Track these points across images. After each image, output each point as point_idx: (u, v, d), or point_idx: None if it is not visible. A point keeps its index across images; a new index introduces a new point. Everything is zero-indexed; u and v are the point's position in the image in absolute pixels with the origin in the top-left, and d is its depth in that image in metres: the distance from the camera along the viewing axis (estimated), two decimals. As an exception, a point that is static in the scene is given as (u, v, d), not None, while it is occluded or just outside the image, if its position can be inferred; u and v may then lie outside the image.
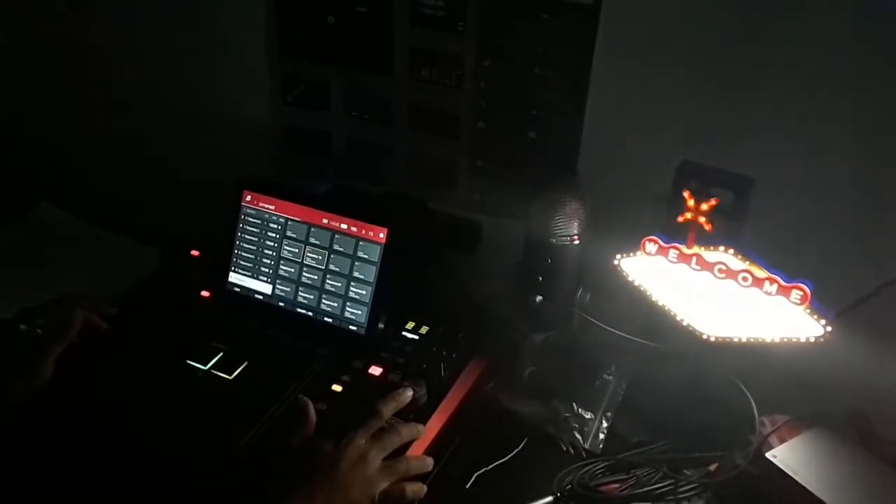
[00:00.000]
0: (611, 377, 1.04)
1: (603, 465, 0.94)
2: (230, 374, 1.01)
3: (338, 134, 1.24)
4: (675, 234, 0.89)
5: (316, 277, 1.09)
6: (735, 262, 0.84)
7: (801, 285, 0.80)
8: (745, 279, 0.83)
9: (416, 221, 1.17)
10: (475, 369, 1.04)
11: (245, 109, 1.27)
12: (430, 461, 0.90)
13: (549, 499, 0.89)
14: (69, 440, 0.91)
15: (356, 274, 1.07)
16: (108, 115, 1.37)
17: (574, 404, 1.00)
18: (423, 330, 1.09)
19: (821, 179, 0.94)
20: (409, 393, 0.93)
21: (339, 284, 1.08)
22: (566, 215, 0.99)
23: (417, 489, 0.86)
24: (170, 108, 1.33)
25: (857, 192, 0.94)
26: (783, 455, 0.89)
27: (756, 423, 0.93)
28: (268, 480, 0.85)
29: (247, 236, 1.13)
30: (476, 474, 0.92)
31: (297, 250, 1.10)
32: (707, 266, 0.85)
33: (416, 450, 0.91)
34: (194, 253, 1.22)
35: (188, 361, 1.02)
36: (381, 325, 1.06)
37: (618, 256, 0.93)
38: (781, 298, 0.81)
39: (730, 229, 0.89)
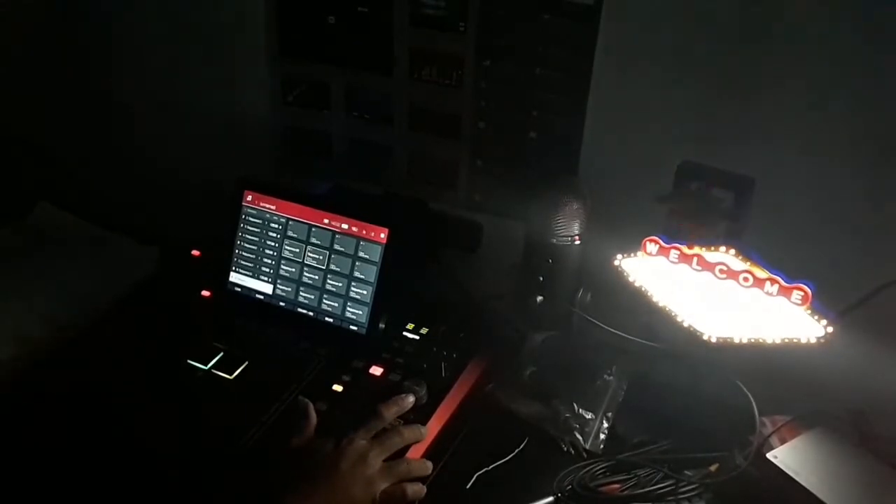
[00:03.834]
0: (611, 377, 1.04)
1: (603, 465, 0.94)
2: (230, 374, 1.00)
3: (338, 134, 1.24)
4: (675, 234, 0.89)
5: (317, 277, 1.09)
6: (736, 262, 0.84)
7: (802, 286, 0.80)
8: (745, 280, 0.83)
9: (417, 221, 1.17)
10: (475, 369, 1.04)
11: (245, 109, 1.27)
12: (429, 465, 0.90)
13: (550, 499, 0.89)
14: (69, 440, 0.91)
15: (357, 274, 1.07)
16: (108, 115, 1.37)
17: (574, 404, 1.00)
18: (424, 330, 1.08)
19: (821, 180, 0.94)
20: (411, 399, 0.93)
21: (340, 284, 1.08)
22: (566, 215, 0.99)
23: (417, 489, 0.86)
24: (170, 108, 1.33)
25: (857, 192, 0.94)
26: (784, 455, 0.89)
27: (756, 423, 0.93)
28: (268, 480, 0.85)
29: (247, 236, 1.13)
30: (476, 474, 0.92)
31: (297, 250, 1.10)
32: (708, 266, 0.85)
33: (418, 448, 0.91)
34: (194, 253, 1.22)
35: (188, 361, 1.02)
36: (381, 325, 1.06)
37: (618, 257, 0.93)
38: (782, 299, 0.81)
39: (730, 229, 0.89)
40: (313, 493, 0.81)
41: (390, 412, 0.90)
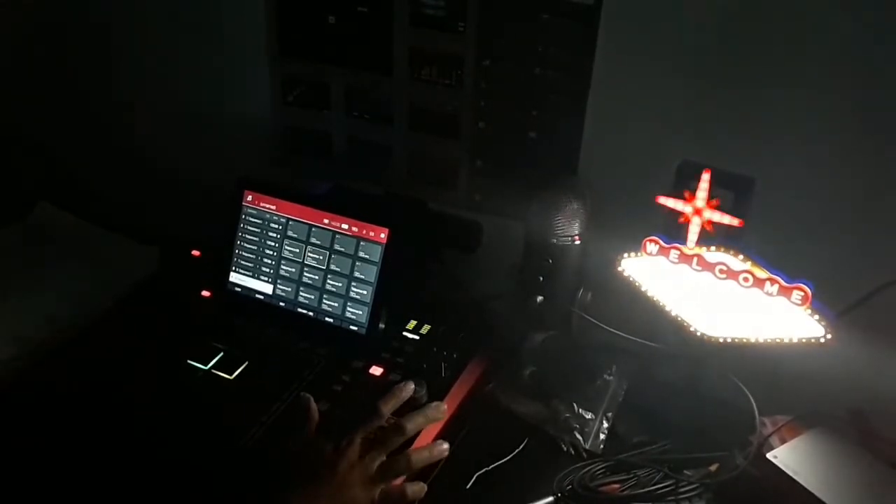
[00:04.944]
0: (611, 377, 1.04)
1: (603, 465, 0.94)
2: (230, 374, 1.01)
3: (338, 134, 1.24)
4: (675, 234, 0.89)
5: (317, 277, 1.09)
6: (736, 262, 0.84)
7: (802, 286, 0.80)
8: (745, 280, 0.83)
9: (416, 221, 1.17)
10: (475, 369, 1.04)
11: (245, 109, 1.27)
12: (445, 446, 0.89)
13: (550, 499, 0.89)
14: (70, 440, 0.91)
15: (357, 274, 1.07)
16: (108, 115, 1.37)
17: (574, 404, 1.00)
18: (424, 330, 1.09)
19: (821, 179, 0.94)
20: (411, 387, 0.92)
21: (340, 284, 1.08)
22: (566, 215, 0.99)
23: (418, 489, 0.86)
24: (170, 108, 1.33)
25: (857, 192, 0.94)
26: (784, 455, 0.89)
27: (756, 423, 0.93)
28: (268, 481, 0.85)
29: (248, 236, 1.13)
30: (476, 474, 0.92)
31: (297, 250, 1.10)
32: (708, 266, 0.85)
33: (422, 441, 0.91)
34: (194, 253, 1.22)
35: (188, 361, 1.02)
36: (381, 325, 1.06)
37: (618, 257, 0.93)
38: (782, 299, 0.81)
39: (730, 230, 0.89)
40: (313, 493, 0.81)
41: (388, 407, 0.90)
